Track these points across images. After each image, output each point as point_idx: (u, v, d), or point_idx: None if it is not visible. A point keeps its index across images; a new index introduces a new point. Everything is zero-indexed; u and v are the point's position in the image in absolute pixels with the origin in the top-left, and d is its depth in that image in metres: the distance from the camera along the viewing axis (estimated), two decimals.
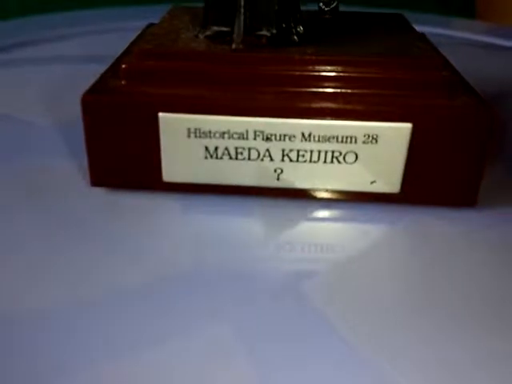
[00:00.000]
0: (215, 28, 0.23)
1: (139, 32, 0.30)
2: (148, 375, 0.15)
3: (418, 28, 0.27)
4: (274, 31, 0.23)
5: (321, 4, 0.28)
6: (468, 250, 0.21)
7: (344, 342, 0.17)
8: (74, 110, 0.29)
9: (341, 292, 0.19)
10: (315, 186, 0.22)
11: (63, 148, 0.27)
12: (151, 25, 0.31)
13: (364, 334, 0.17)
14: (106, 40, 0.46)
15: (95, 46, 0.44)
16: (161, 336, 0.17)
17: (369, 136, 0.21)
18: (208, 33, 0.24)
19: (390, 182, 0.22)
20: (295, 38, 0.24)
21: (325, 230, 0.22)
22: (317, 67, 0.22)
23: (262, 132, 0.21)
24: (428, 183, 0.22)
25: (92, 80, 0.23)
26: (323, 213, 0.23)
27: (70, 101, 0.32)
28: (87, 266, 0.20)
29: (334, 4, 0.28)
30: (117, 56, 0.26)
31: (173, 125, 0.21)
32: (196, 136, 0.22)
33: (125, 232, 0.21)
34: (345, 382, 0.15)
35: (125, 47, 0.27)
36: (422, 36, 0.28)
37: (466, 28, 0.53)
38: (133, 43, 0.27)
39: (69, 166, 0.25)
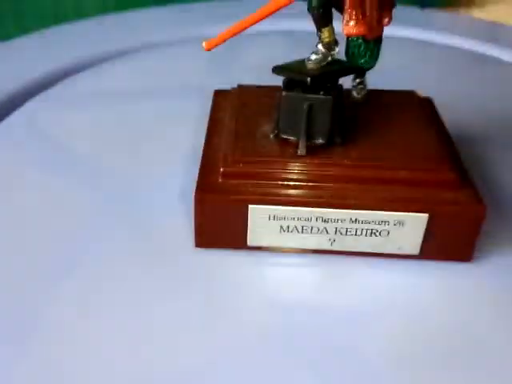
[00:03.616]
0: (284, 136, 0.33)
1: (212, 103, 0.39)
2: None
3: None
4: (326, 139, 0.32)
5: (354, 93, 0.37)
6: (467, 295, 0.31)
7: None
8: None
9: (390, 336, 0.28)
10: (358, 250, 0.32)
11: (173, 208, 0.36)
12: (218, 93, 0.40)
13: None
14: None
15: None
16: None
17: (398, 222, 0.31)
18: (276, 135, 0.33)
19: (412, 247, 0.32)
20: (338, 140, 0.33)
21: (366, 280, 0.32)
22: (359, 170, 0.31)
23: (322, 217, 0.31)
24: (438, 247, 0.32)
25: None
26: (364, 267, 0.32)
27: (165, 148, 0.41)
28: (186, 313, 0.29)
29: (365, 92, 0.37)
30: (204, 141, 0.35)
31: (258, 213, 0.31)
32: (274, 219, 0.31)
33: (218, 283, 0.31)
34: None
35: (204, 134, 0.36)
36: (429, 104, 0.37)
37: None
38: (214, 129, 0.36)
39: (179, 227, 0.34)
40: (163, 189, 0.37)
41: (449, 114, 0.39)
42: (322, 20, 0.31)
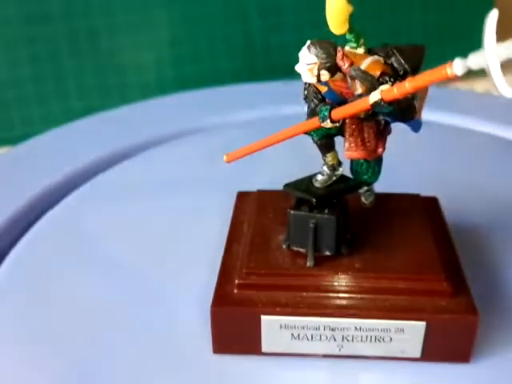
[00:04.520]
0: (295, 248, 0.36)
1: (234, 206, 0.43)
2: None
3: None
4: (333, 251, 0.36)
5: (364, 200, 0.40)
6: None
7: None
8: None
9: None
10: (365, 354, 0.35)
11: (194, 313, 0.39)
12: (241, 195, 0.44)
13: None
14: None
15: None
16: None
17: (398, 329, 0.34)
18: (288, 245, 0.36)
19: (413, 351, 0.34)
20: (345, 251, 0.36)
21: (373, 382, 0.35)
22: (362, 281, 0.34)
23: (329, 326, 0.34)
24: (438, 350, 0.34)
25: None
26: (371, 369, 0.35)
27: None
28: None
29: (372, 198, 0.40)
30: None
31: (270, 322, 0.34)
32: (285, 328, 0.34)
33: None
34: None
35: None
36: (434, 205, 0.41)
37: None
38: (234, 235, 0.39)
39: (198, 332, 0.37)
40: (186, 292, 0.41)
41: (458, 205, 0.44)
42: (325, 148, 0.34)
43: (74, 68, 0.80)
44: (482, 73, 0.79)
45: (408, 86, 0.25)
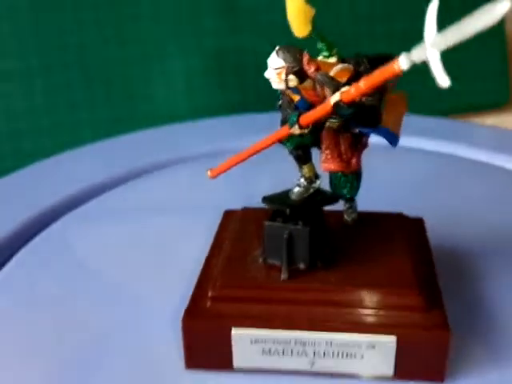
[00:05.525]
0: (270, 261, 0.36)
1: (219, 223, 0.42)
2: None
3: None
4: (307, 264, 0.35)
5: (346, 216, 0.40)
6: None
7: None
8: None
9: None
10: (338, 371, 0.34)
11: (168, 328, 0.38)
12: (227, 214, 0.44)
13: None
14: None
15: None
16: None
17: (369, 344, 0.33)
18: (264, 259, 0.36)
19: (386, 368, 0.33)
20: (320, 264, 0.35)
21: None
22: (334, 295, 0.34)
23: (300, 340, 0.33)
24: (411, 368, 0.33)
25: None
26: None
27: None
28: None
29: (354, 215, 0.40)
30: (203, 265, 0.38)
31: (241, 336, 0.33)
32: (256, 343, 0.34)
33: None
34: None
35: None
36: (419, 225, 0.40)
37: None
38: (212, 256, 0.39)
39: (172, 347, 0.37)
40: (164, 307, 0.40)
41: (446, 227, 0.44)
42: (301, 159, 0.34)
43: (85, 98, 0.81)
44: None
45: (362, 84, 0.25)
